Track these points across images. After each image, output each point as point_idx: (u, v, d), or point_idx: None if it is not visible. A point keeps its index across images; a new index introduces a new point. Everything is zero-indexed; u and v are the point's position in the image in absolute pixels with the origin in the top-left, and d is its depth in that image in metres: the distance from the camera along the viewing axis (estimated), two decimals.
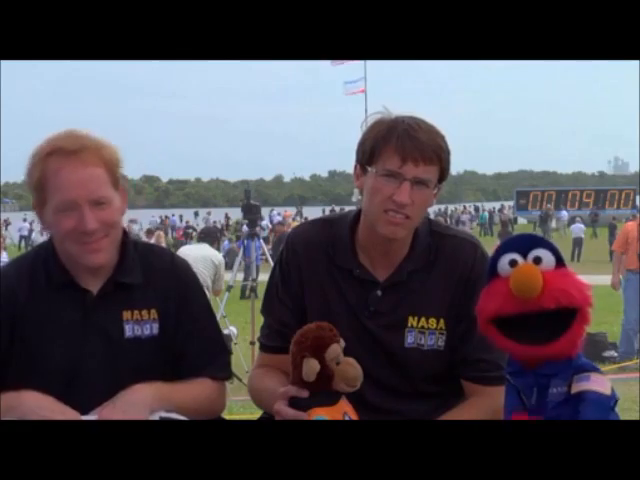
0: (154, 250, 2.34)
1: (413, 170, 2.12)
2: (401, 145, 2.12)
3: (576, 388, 1.73)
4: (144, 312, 2.19)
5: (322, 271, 2.28)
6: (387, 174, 2.13)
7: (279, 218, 39.77)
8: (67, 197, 2.08)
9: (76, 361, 2.14)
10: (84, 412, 2.03)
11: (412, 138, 2.12)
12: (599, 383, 1.73)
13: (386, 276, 2.25)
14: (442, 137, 2.18)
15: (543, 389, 1.78)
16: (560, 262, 1.77)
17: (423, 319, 2.23)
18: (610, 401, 1.72)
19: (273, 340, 2.31)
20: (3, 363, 2.13)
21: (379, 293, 2.24)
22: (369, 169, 2.17)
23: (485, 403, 2.16)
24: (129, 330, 2.18)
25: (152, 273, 2.24)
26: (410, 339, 2.22)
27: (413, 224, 2.19)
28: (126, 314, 2.18)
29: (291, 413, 1.96)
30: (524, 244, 1.79)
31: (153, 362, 2.18)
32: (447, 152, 2.18)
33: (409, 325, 2.23)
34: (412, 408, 2.22)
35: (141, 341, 2.18)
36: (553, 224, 42.71)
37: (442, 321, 2.22)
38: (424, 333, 2.23)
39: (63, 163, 2.08)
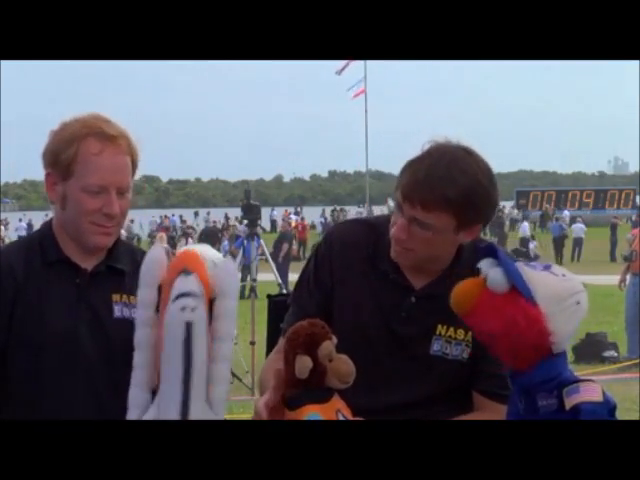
0: (134, 246, 2.50)
1: (410, 210, 2.10)
2: (407, 183, 2.11)
3: (569, 402, 1.72)
4: (132, 298, 2.22)
5: (357, 271, 2.27)
6: (397, 203, 2.15)
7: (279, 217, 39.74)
8: (100, 181, 2.16)
9: (71, 330, 2.20)
10: (80, 383, 2.14)
11: (418, 181, 2.08)
12: (590, 392, 1.72)
13: (422, 285, 2.23)
14: (461, 187, 2.07)
15: (529, 399, 1.79)
16: (518, 286, 1.77)
17: (452, 329, 2.20)
18: (605, 407, 1.72)
19: None
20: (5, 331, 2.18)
21: (413, 300, 2.23)
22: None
23: (490, 419, 2.08)
24: (118, 311, 2.25)
25: (136, 266, 2.27)
26: (436, 347, 2.21)
27: (419, 256, 2.16)
28: (115, 296, 2.26)
29: (264, 415, 1.93)
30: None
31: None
32: (461, 204, 2.07)
33: (437, 333, 2.21)
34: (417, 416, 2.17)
35: (129, 323, 2.18)
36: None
37: (470, 334, 2.18)
38: (450, 343, 2.21)
39: (101, 147, 2.16)
